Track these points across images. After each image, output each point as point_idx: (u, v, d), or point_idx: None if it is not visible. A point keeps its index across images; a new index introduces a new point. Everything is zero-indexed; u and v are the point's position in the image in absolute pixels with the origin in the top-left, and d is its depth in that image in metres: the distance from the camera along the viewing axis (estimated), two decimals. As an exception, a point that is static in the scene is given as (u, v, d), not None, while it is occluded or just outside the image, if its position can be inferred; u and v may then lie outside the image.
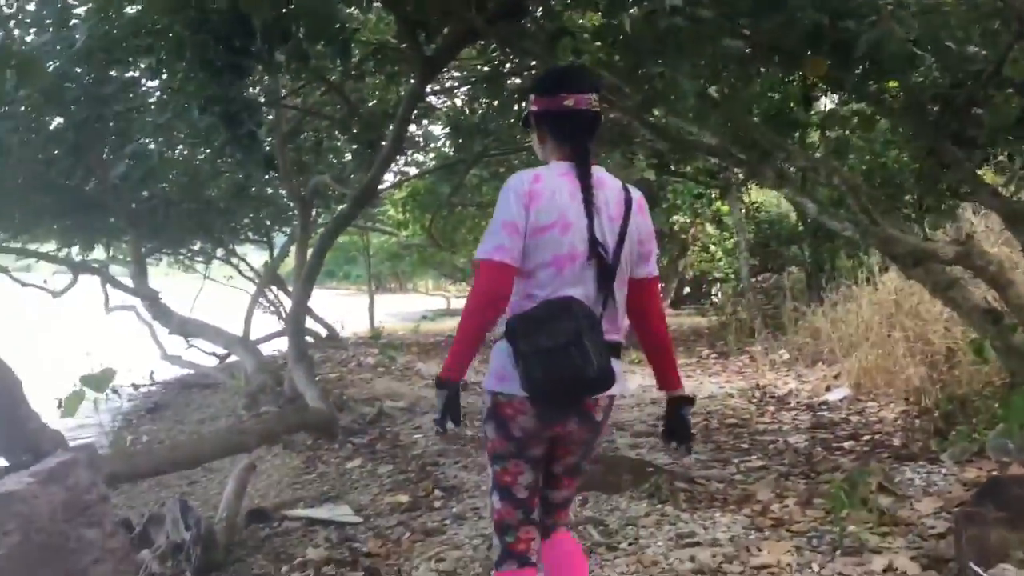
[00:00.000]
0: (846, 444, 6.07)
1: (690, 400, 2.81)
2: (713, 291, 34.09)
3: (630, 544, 4.08)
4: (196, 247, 13.95)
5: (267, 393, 8.90)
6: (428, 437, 7.13)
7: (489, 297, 2.47)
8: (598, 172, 2.60)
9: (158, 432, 8.88)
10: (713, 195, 19.41)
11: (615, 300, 2.56)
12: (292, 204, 9.97)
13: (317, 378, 11.08)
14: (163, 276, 14.02)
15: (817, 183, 5.22)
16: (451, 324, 22.87)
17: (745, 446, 6.27)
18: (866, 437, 6.27)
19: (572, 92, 2.57)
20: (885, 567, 3.57)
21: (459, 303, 32.75)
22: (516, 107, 9.63)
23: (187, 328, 11.02)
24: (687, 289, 28.88)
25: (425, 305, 34.84)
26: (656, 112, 5.71)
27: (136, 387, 11.76)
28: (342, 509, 5.27)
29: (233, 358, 11.39)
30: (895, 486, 4.45)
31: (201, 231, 11.99)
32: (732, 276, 26.02)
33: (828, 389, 8.43)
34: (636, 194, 2.64)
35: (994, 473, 4.46)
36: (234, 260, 14.30)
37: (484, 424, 2.65)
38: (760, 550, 3.87)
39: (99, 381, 5.29)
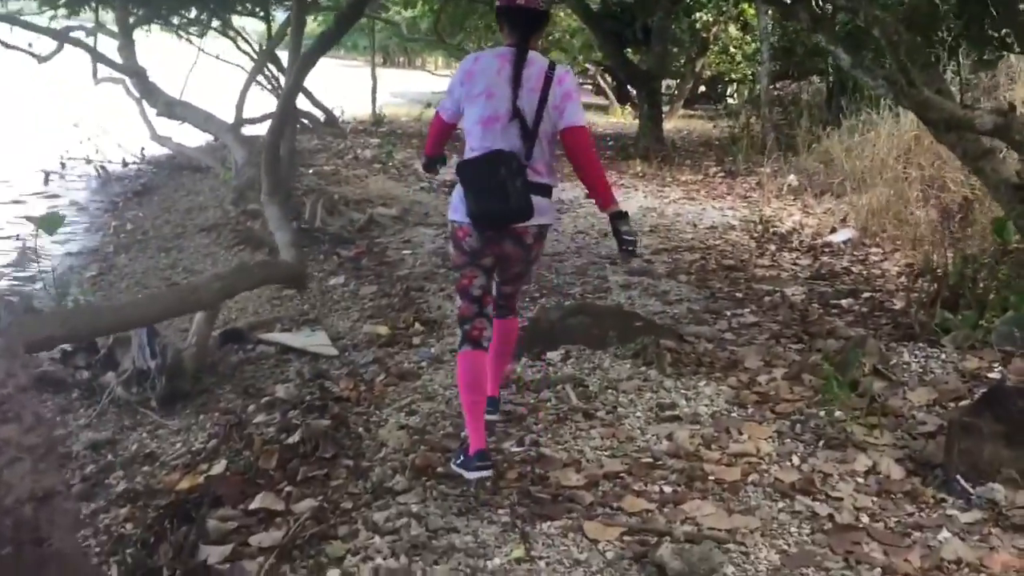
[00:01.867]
0: (844, 302, 5.84)
1: (623, 214, 3.33)
2: (728, 92, 33.15)
3: (608, 413, 3.91)
4: (191, 16, 13.05)
5: (256, 189, 8.57)
6: (416, 256, 6.90)
7: (434, 132, 3.64)
8: (531, 55, 3.34)
9: (143, 220, 8.62)
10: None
11: (540, 151, 3.32)
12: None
13: (311, 170, 10.78)
14: (155, 48, 13.26)
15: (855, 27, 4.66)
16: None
17: (740, 295, 6.04)
18: (866, 294, 6.04)
19: None
20: (868, 468, 3.41)
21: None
22: None
23: (174, 110, 10.48)
24: (702, 88, 28.11)
25: (432, 86, 33.86)
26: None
27: (125, 164, 11.39)
28: (319, 338, 5.11)
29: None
30: (890, 369, 4.24)
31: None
32: (750, 78, 25.18)
33: (834, 230, 8.13)
34: (560, 71, 3.34)
35: (996, 365, 4.25)
36: (231, 33, 13.44)
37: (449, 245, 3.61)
38: (741, 433, 3.70)
39: (49, 223, 4.93)
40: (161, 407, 4.18)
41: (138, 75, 10.21)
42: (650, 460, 3.50)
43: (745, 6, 19.60)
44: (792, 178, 11.58)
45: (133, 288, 6.53)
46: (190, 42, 13.11)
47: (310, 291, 6.11)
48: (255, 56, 13.34)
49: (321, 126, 14.12)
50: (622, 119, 22.14)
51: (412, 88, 32.52)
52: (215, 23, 13.06)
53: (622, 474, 3.38)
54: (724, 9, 19.95)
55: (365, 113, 18.18)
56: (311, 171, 10.78)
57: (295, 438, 3.71)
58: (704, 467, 3.43)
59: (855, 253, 7.46)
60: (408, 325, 5.28)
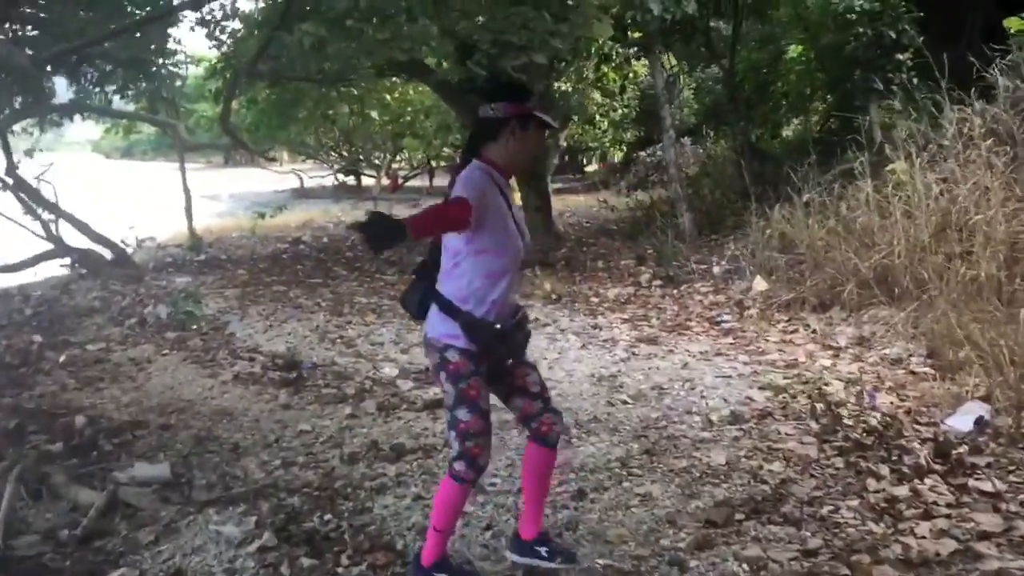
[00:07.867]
0: None
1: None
2: (585, 161, 30.48)
3: None
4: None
5: None
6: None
7: (454, 220, 2.63)
8: None
9: None
10: (618, 54, 15.00)
11: None
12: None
13: (63, 357, 6.47)
14: None
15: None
16: (299, 216, 18.14)
17: None
18: None
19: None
20: None
21: (312, 183, 27.79)
22: None
23: None
24: (555, 160, 25.51)
25: (275, 185, 29.67)
26: None
27: None
28: None
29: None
30: None
31: None
32: (608, 146, 23.03)
33: (961, 406, 4.44)
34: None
35: None
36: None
37: (441, 366, 2.82)
38: None
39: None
40: None
41: None
42: None
43: (606, 70, 16.44)
44: (759, 281, 8.06)
45: None
46: None
47: None
48: None
49: (108, 266, 9.70)
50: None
51: (254, 188, 28.18)
52: None
53: None
54: (585, 75, 16.73)
55: (185, 231, 13.82)
56: (62, 358, 6.43)
57: None
58: None
59: (1010, 461, 3.81)
60: None
